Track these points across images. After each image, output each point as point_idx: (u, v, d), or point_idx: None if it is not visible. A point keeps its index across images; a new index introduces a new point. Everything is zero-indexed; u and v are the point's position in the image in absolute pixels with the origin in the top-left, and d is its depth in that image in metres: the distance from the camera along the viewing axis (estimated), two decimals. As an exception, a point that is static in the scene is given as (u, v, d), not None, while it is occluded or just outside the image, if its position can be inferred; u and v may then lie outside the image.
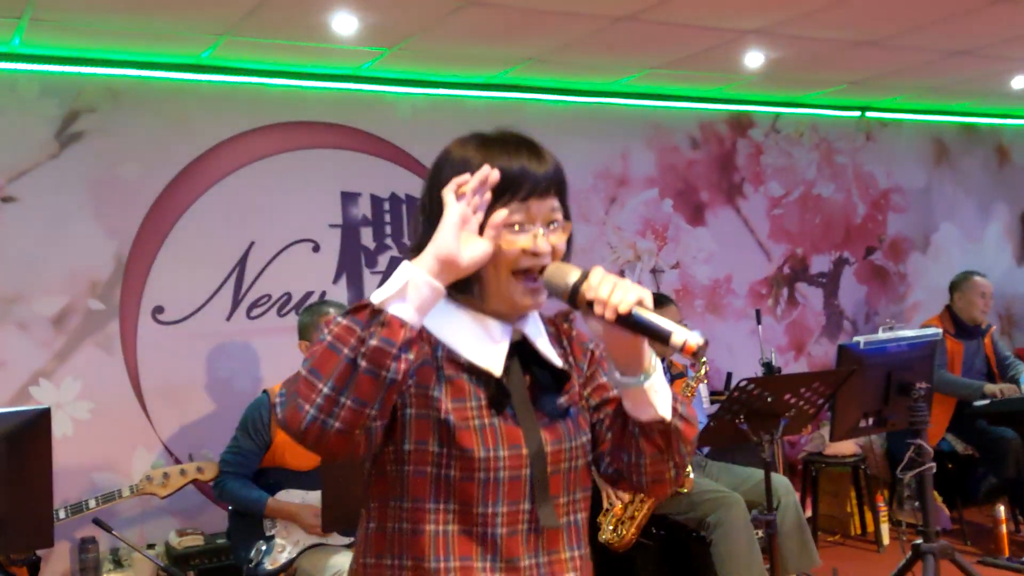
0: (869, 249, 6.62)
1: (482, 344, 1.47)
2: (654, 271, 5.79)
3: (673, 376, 4.68)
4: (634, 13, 4.14)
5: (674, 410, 1.49)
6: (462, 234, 1.34)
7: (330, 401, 1.25)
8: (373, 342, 1.25)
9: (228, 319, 4.58)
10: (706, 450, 4.78)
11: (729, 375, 5.55)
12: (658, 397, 1.47)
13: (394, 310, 1.28)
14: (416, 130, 5.04)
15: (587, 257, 5.49)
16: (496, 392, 1.46)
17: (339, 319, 1.31)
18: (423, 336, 1.44)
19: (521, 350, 1.51)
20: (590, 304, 1.41)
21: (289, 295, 4.71)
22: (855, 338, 3.83)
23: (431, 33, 4.25)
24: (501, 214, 1.39)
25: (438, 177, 1.46)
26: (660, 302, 4.66)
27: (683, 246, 5.90)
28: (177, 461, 4.38)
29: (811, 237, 6.37)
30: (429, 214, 1.46)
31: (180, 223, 4.50)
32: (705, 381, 4.65)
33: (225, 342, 4.57)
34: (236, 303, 4.60)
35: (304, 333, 3.78)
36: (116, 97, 4.40)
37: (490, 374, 1.46)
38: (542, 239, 1.44)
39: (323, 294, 4.78)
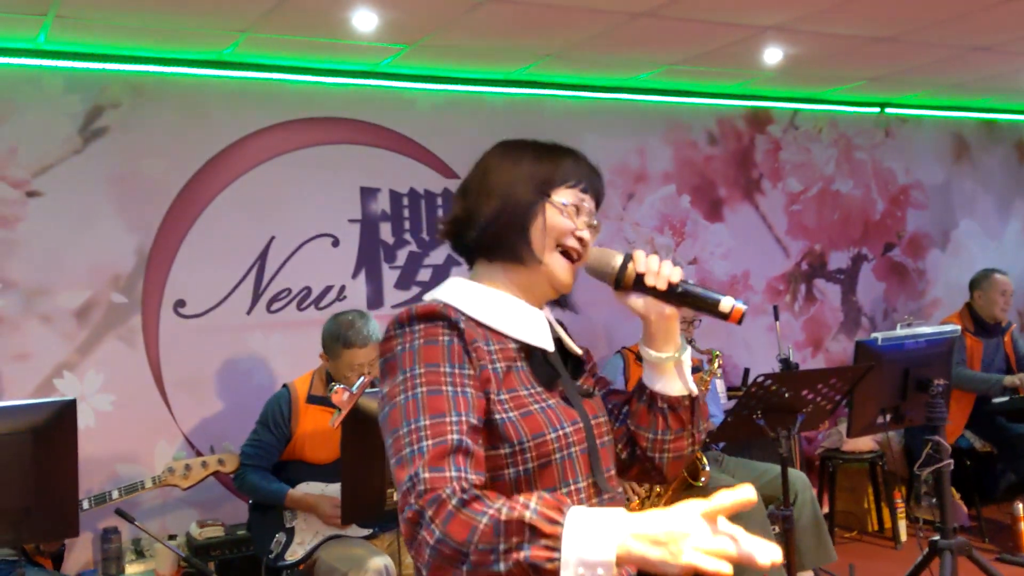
0: (888, 245, 6.61)
1: (529, 323, 1.55)
2: (672, 267, 5.82)
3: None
4: (652, 9, 4.15)
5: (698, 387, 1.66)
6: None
7: (452, 556, 1.24)
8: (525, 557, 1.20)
9: (248, 313, 4.61)
10: (722, 445, 4.79)
11: (746, 371, 5.55)
12: (688, 372, 1.63)
13: (569, 555, 1.18)
14: (435, 126, 5.05)
15: None
16: (548, 369, 1.54)
17: (525, 546, 1.22)
18: (471, 333, 1.46)
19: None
20: (638, 280, 1.55)
21: (309, 289, 4.74)
22: (873, 334, 3.84)
23: (450, 29, 4.26)
24: (564, 194, 1.54)
25: (485, 173, 1.57)
26: None
27: (701, 242, 5.91)
28: (198, 453, 4.41)
29: (829, 233, 6.36)
30: (463, 208, 1.57)
31: (201, 218, 4.54)
32: (719, 375, 4.66)
33: (245, 336, 4.60)
34: (256, 297, 4.64)
35: (328, 350, 3.73)
36: (139, 93, 4.44)
37: (540, 351, 1.54)
38: (586, 230, 1.58)
39: (342, 288, 4.81)
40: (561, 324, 1.71)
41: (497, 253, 1.56)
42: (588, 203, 1.58)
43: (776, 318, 5.18)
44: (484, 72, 5.09)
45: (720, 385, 5.21)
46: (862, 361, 3.73)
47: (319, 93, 4.80)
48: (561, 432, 1.48)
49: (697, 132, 5.92)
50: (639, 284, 1.56)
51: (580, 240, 1.56)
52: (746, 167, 6.09)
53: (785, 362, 4.97)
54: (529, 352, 1.53)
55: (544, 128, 5.25)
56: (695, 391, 1.65)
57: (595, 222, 1.60)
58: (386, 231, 4.97)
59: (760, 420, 3.54)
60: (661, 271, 1.56)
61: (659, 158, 5.79)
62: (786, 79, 5.62)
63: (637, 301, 1.58)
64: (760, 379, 3.46)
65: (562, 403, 1.52)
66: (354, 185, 4.89)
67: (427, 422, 1.36)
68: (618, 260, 1.57)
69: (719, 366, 4.34)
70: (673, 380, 1.63)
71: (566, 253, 1.55)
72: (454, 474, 1.31)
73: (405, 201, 5.02)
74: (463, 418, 1.37)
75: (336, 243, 4.83)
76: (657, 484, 1.74)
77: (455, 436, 1.34)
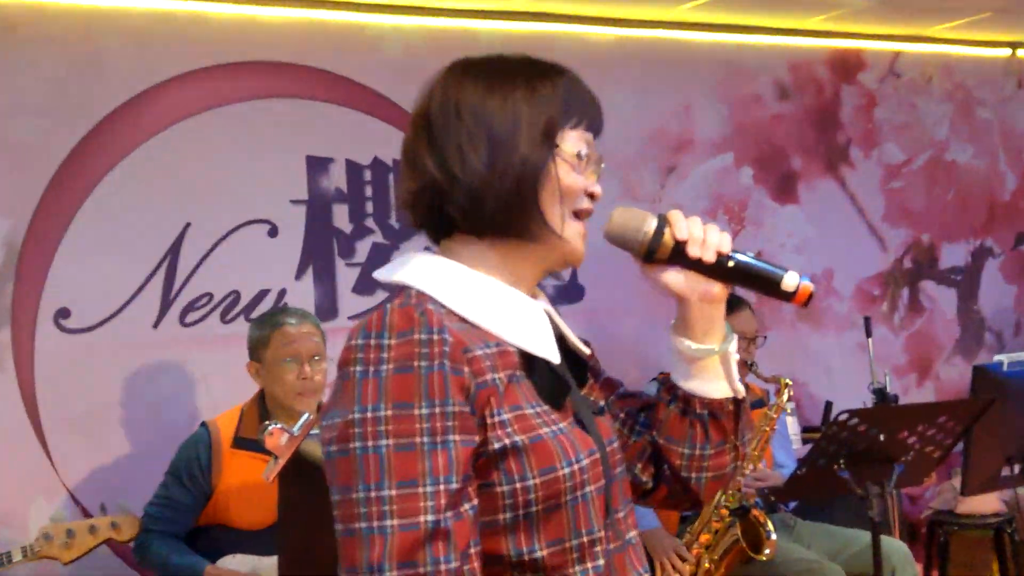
0: (1021, 236, 6.65)
1: (530, 323, 1.59)
2: (727, 264, 5.86)
3: (751, 404, 4.73)
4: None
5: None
6: None
7: None
8: None
9: (155, 326, 4.65)
10: (793, 505, 4.83)
11: (828, 405, 5.58)
12: (735, 367, 1.69)
13: None
14: (409, 73, 5.03)
15: None
16: (557, 384, 1.59)
17: None
18: (461, 339, 1.48)
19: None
20: (677, 249, 1.60)
21: (237, 294, 4.79)
22: (997, 357, 3.87)
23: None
24: (573, 140, 1.59)
25: (458, 106, 1.57)
26: (731, 305, 4.69)
27: (766, 231, 5.97)
28: (86, 515, 4.41)
29: (941, 219, 6.41)
30: (432, 162, 1.57)
31: (92, 198, 4.57)
32: (789, 411, 4.71)
33: (152, 357, 4.63)
34: (166, 305, 4.67)
35: (255, 351, 3.85)
36: (9, 30, 4.44)
37: (543, 362, 1.58)
38: (598, 183, 1.64)
39: (282, 293, 4.85)
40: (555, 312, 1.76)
41: (494, 228, 1.58)
42: (592, 144, 1.63)
43: (868, 334, 5.23)
44: (475, 0, 5.12)
45: (792, 424, 5.26)
46: (982, 392, 3.76)
47: (250, 29, 4.83)
48: (576, 467, 1.50)
49: (762, 82, 5.96)
50: (677, 255, 1.61)
51: (591, 196, 1.62)
52: (829, 129, 6.13)
53: (880, 393, 5.03)
54: (530, 360, 1.56)
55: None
56: (742, 392, 1.72)
57: (602, 166, 1.66)
58: (342, 215, 5.00)
59: (843, 472, 3.57)
60: (708, 238, 1.62)
61: (710, 118, 5.83)
62: (884, 11, 5.63)
63: (674, 277, 1.64)
64: (843, 416, 3.50)
65: (575, 426, 1.56)
66: (298, 154, 4.93)
67: (393, 492, 1.37)
68: (651, 223, 1.62)
69: (789, 398, 4.38)
70: (715, 379, 1.69)
71: (578, 216, 1.61)
72: (430, 569, 1.35)
73: (367, 175, 5.05)
74: (442, 487, 1.38)
75: (274, 232, 4.88)
76: (689, 510, 1.87)
77: (430, 518, 1.36)
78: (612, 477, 1.60)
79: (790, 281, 1.58)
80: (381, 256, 5.04)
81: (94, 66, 4.58)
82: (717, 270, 1.61)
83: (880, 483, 3.56)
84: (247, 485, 3.70)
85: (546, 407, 1.54)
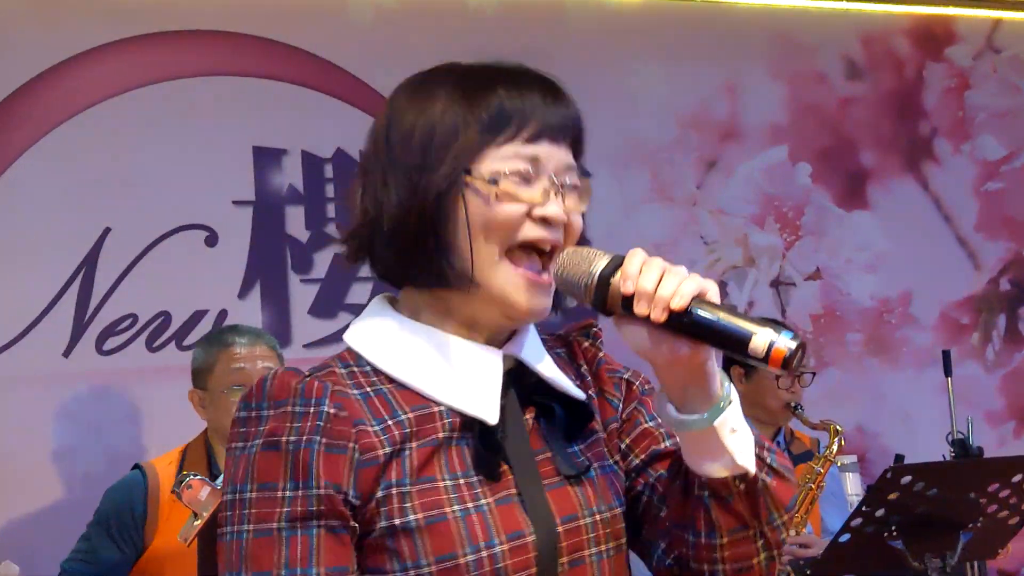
0: None
1: (464, 379, 1.69)
2: (778, 283, 6.06)
3: (796, 457, 4.94)
4: None
5: (759, 459, 1.70)
6: None
7: None
8: None
9: (67, 354, 4.85)
10: None
11: (899, 460, 5.72)
12: (736, 440, 1.67)
13: None
14: (380, 47, 5.24)
15: (667, 256, 5.64)
16: (485, 450, 1.68)
17: None
18: (355, 410, 1.64)
19: (518, 379, 1.76)
20: (626, 304, 1.63)
21: (167, 316, 4.97)
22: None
23: None
24: (499, 158, 1.67)
25: (381, 140, 1.73)
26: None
27: (830, 243, 6.12)
28: None
29: (1050, 230, 6.50)
30: (363, 199, 1.73)
31: None
32: (841, 464, 4.84)
33: (64, 391, 4.82)
34: (80, 329, 4.87)
35: (198, 377, 4.02)
36: None
37: (478, 423, 1.68)
38: (556, 201, 1.71)
39: (223, 315, 5.01)
40: (578, 345, 1.88)
41: (415, 279, 1.72)
42: (549, 154, 1.71)
43: (947, 372, 5.32)
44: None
45: (854, 483, 5.34)
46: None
47: (186, -9, 5.05)
48: (485, 554, 1.61)
49: (826, 57, 6.15)
50: (630, 308, 1.63)
51: (545, 220, 1.70)
52: (909, 117, 6.30)
53: (960, 445, 5.11)
54: (472, 421, 1.68)
55: (564, 49, 5.49)
56: (751, 470, 1.68)
57: (570, 180, 1.73)
58: (296, 220, 5.19)
59: (896, 542, 3.72)
60: (660, 290, 1.60)
61: (762, 101, 6.03)
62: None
63: (635, 336, 1.65)
64: (891, 474, 3.62)
65: (505, 503, 1.67)
66: (243, 144, 5.12)
67: None
68: (597, 268, 1.66)
69: (841, 449, 4.54)
70: (712, 454, 1.67)
71: (530, 250, 1.70)
72: None
73: (328, 171, 5.24)
74: None
75: (212, 240, 5.07)
76: None
77: None
78: (575, 560, 1.70)
79: (758, 343, 1.58)
80: (343, 271, 5.11)
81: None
82: (673, 327, 1.62)
83: (942, 555, 3.69)
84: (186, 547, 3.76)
85: (476, 478, 1.65)
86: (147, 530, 3.91)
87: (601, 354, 1.90)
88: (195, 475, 3.41)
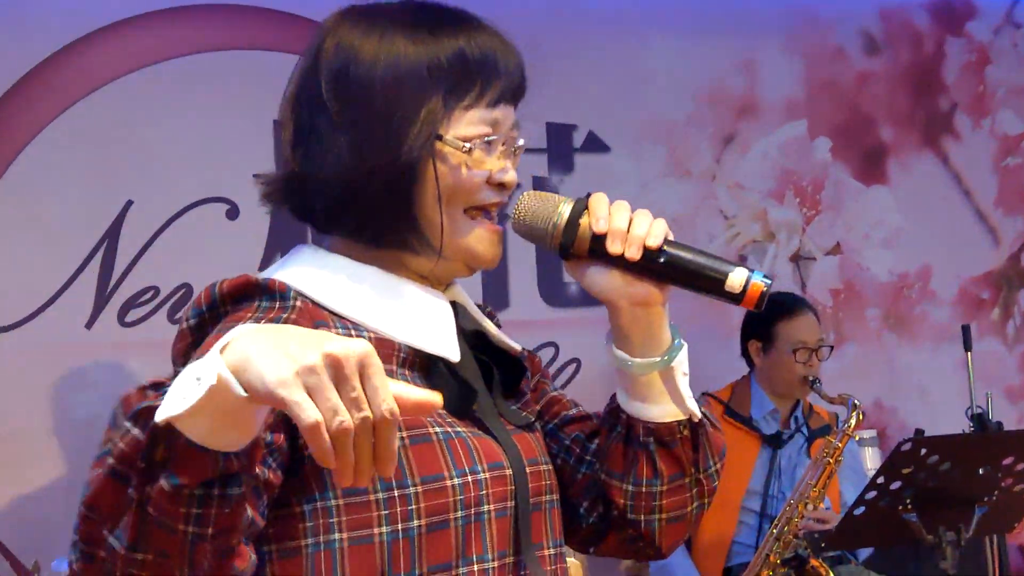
0: None
1: (423, 320, 1.70)
2: (797, 258, 6.09)
3: (814, 431, 4.99)
4: None
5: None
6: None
7: (122, 559, 1.35)
8: (163, 483, 1.30)
9: (89, 326, 4.90)
10: (864, 554, 5.06)
11: (919, 435, 5.74)
12: (685, 384, 1.76)
13: (191, 427, 1.28)
14: None
15: (686, 231, 5.73)
16: (457, 388, 1.69)
17: (128, 422, 1.35)
18: (315, 314, 1.61)
19: (460, 330, 1.77)
20: (595, 243, 1.67)
21: (189, 288, 5.00)
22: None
23: None
24: (466, 123, 1.68)
25: (330, 79, 1.71)
26: (790, 309, 4.94)
27: (849, 218, 6.15)
28: (15, 566, 4.63)
29: (1071, 205, 6.52)
30: (300, 141, 1.73)
31: (11, 172, 4.82)
32: (858, 439, 4.89)
33: (86, 362, 4.87)
34: (103, 301, 4.91)
35: None
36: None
37: (438, 361, 1.69)
38: (510, 165, 1.74)
39: None
40: (487, 311, 1.91)
41: (365, 237, 1.71)
42: (506, 116, 1.74)
43: (967, 347, 5.38)
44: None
45: (873, 457, 5.40)
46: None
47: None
48: (470, 478, 1.63)
49: (845, 33, 6.16)
50: (598, 251, 1.68)
51: (502, 185, 1.73)
52: (929, 92, 6.31)
53: (979, 420, 5.14)
54: (428, 361, 1.69)
55: (581, 25, 5.56)
56: (696, 413, 1.77)
57: (518, 143, 1.76)
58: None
59: (910, 515, 3.80)
60: (633, 230, 1.66)
61: (779, 77, 6.04)
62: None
63: (599, 278, 1.71)
64: (905, 447, 3.73)
65: (479, 435, 1.69)
66: (264, 118, 5.01)
67: None
68: (564, 212, 1.69)
69: (859, 423, 4.60)
70: (661, 399, 1.75)
71: (484, 209, 1.73)
72: None
73: None
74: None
75: (234, 212, 5.12)
76: (651, 559, 1.92)
77: None
78: (535, 504, 1.73)
79: (736, 279, 1.63)
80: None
81: (13, 14, 4.82)
82: (646, 268, 1.67)
83: (956, 528, 3.78)
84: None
85: (441, 413, 1.65)
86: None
87: (501, 326, 1.93)
88: None
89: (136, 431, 1.33)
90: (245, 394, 1.24)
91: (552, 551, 1.77)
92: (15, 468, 4.74)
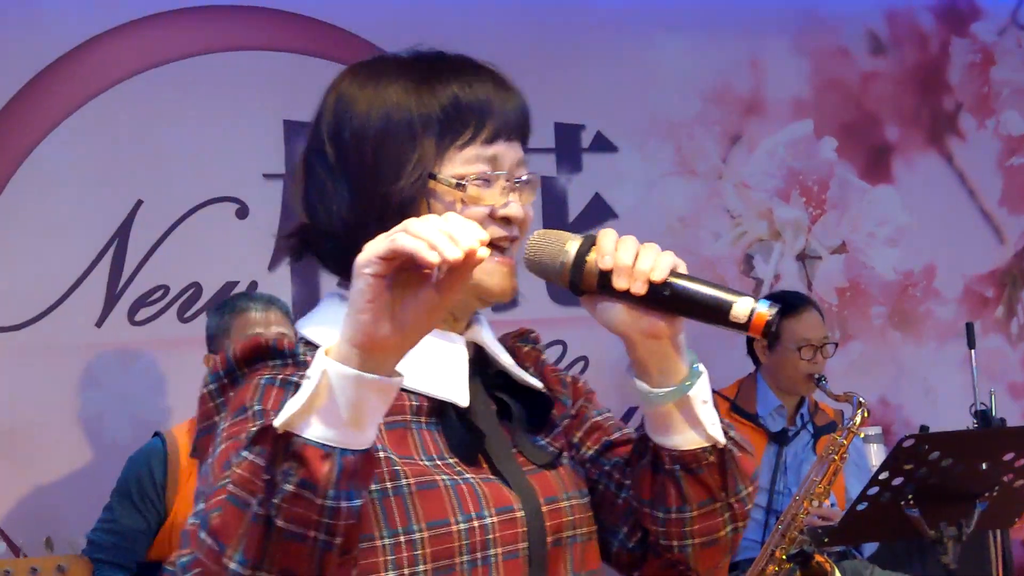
0: None
1: (430, 364, 1.72)
2: (803, 256, 6.13)
3: (819, 428, 5.03)
4: None
5: (724, 432, 1.79)
6: (389, 296, 1.43)
7: None
8: (288, 487, 1.40)
9: (99, 324, 4.96)
10: (869, 550, 5.10)
11: (923, 431, 5.78)
12: (707, 411, 1.76)
13: (312, 432, 1.41)
14: (407, 18, 5.29)
15: (691, 231, 5.85)
16: (464, 433, 1.73)
17: (243, 451, 1.46)
18: (377, 453, 1.60)
19: (480, 371, 1.81)
20: (603, 280, 1.69)
21: (198, 287, 5.08)
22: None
23: None
24: (461, 162, 1.71)
25: (329, 137, 1.76)
26: (795, 306, 4.98)
27: (853, 216, 6.20)
28: (15, 551, 4.65)
29: (1075, 205, 6.53)
30: (308, 197, 1.78)
31: (21, 171, 4.88)
32: (863, 436, 4.92)
33: (96, 360, 4.92)
34: (113, 299, 4.97)
35: (213, 342, 4.16)
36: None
37: (450, 407, 1.73)
38: (514, 200, 1.76)
39: (253, 287, 5.09)
40: (520, 350, 1.93)
41: None
42: (505, 152, 1.76)
43: (971, 344, 5.45)
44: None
45: (879, 454, 5.43)
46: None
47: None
48: (476, 523, 1.66)
49: (851, 33, 6.21)
50: (606, 286, 1.70)
51: (507, 220, 1.75)
52: (934, 92, 6.35)
53: (982, 417, 5.20)
54: (442, 407, 1.73)
55: (589, 26, 5.60)
56: (720, 440, 1.77)
57: (525, 176, 1.79)
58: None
59: (912, 510, 3.82)
60: (638, 264, 1.67)
61: (786, 76, 6.09)
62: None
63: (610, 313, 1.72)
64: (907, 443, 3.75)
65: (489, 480, 1.72)
66: (274, 118, 5.20)
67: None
68: (571, 250, 1.71)
69: (864, 421, 4.64)
70: (683, 427, 1.76)
71: (496, 247, 1.73)
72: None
73: None
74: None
75: (243, 212, 5.17)
76: None
77: None
78: (555, 541, 1.75)
79: (740, 310, 1.65)
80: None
81: (27, 13, 4.88)
82: (653, 301, 1.68)
83: (958, 524, 3.80)
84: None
85: (451, 460, 1.71)
86: (168, 496, 4.05)
87: (543, 356, 1.97)
88: None
89: (252, 456, 1.43)
90: (356, 349, 1.41)
91: None
92: (26, 464, 4.80)
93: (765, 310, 1.65)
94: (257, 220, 5.17)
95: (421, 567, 1.63)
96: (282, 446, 1.41)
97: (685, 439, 1.76)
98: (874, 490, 3.89)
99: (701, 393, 1.76)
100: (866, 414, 4.63)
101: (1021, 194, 6.53)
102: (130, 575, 4.09)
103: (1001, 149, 6.51)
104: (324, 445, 1.40)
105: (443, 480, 1.67)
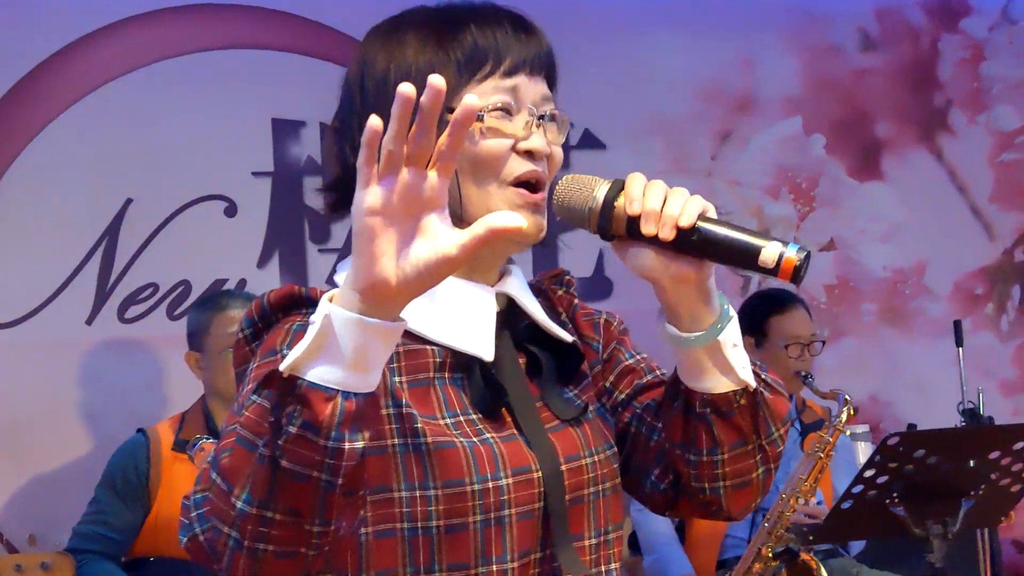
0: None
1: (457, 317, 1.75)
2: (794, 252, 6.13)
3: (807, 426, 5.04)
4: None
5: (756, 374, 1.80)
6: (389, 236, 1.43)
7: (252, 520, 1.47)
8: (292, 429, 1.43)
9: (89, 322, 5.00)
10: (856, 548, 5.11)
11: (912, 428, 5.80)
12: (737, 355, 1.77)
13: (315, 375, 1.44)
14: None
15: None
16: (487, 389, 1.74)
17: (253, 395, 1.50)
18: (381, 398, 1.62)
19: (510, 323, 1.82)
20: (631, 225, 1.69)
21: (187, 285, 5.12)
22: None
23: None
24: (479, 94, 1.68)
25: (355, 89, 1.79)
26: (782, 304, 5.01)
27: (844, 213, 6.23)
28: (9, 548, 4.72)
29: (1065, 200, 6.55)
30: (341, 150, 1.80)
31: (13, 169, 4.93)
32: (849, 433, 4.94)
33: (86, 358, 4.97)
34: (102, 297, 5.02)
35: (195, 340, 4.23)
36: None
37: (475, 361, 1.75)
38: (538, 133, 1.76)
39: (242, 284, 5.15)
40: (554, 293, 1.94)
41: None
42: (527, 86, 1.77)
43: (959, 342, 5.45)
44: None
45: (866, 451, 5.46)
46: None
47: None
48: (491, 484, 1.69)
49: (841, 30, 6.23)
50: (634, 232, 1.69)
51: (531, 154, 1.75)
52: (925, 89, 6.37)
53: (970, 415, 5.23)
54: (468, 360, 1.75)
55: (578, 22, 5.59)
56: (751, 383, 1.78)
57: (549, 110, 1.78)
58: (314, 191, 5.24)
59: (898, 508, 3.84)
60: (667, 209, 1.66)
61: (776, 73, 6.12)
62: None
63: (640, 258, 1.71)
64: (891, 441, 3.75)
65: (509, 439, 1.74)
66: (263, 116, 5.26)
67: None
68: (600, 194, 1.71)
69: (851, 418, 4.64)
70: (714, 370, 1.76)
71: (522, 184, 1.75)
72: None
73: None
74: None
75: (232, 210, 5.21)
76: (720, 519, 1.94)
77: None
78: (575, 498, 1.77)
79: (769, 254, 1.64)
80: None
81: (16, 13, 4.92)
82: (682, 246, 1.67)
83: (943, 522, 3.81)
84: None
85: (474, 416, 1.73)
86: (151, 487, 4.10)
87: (576, 300, 1.98)
88: (207, 438, 3.54)
89: (259, 399, 1.47)
90: (358, 294, 1.43)
91: (594, 540, 1.82)
92: (12, 454, 4.85)
93: (794, 255, 1.65)
94: (246, 218, 5.23)
95: (435, 522, 1.66)
96: (287, 389, 1.44)
97: (716, 383, 1.78)
98: (859, 488, 3.89)
99: (732, 336, 1.77)
100: (852, 412, 4.62)
101: (1012, 191, 6.55)
102: (116, 565, 4.13)
103: (992, 145, 6.52)
104: (327, 388, 1.43)
105: (461, 441, 1.69)
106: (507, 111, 1.74)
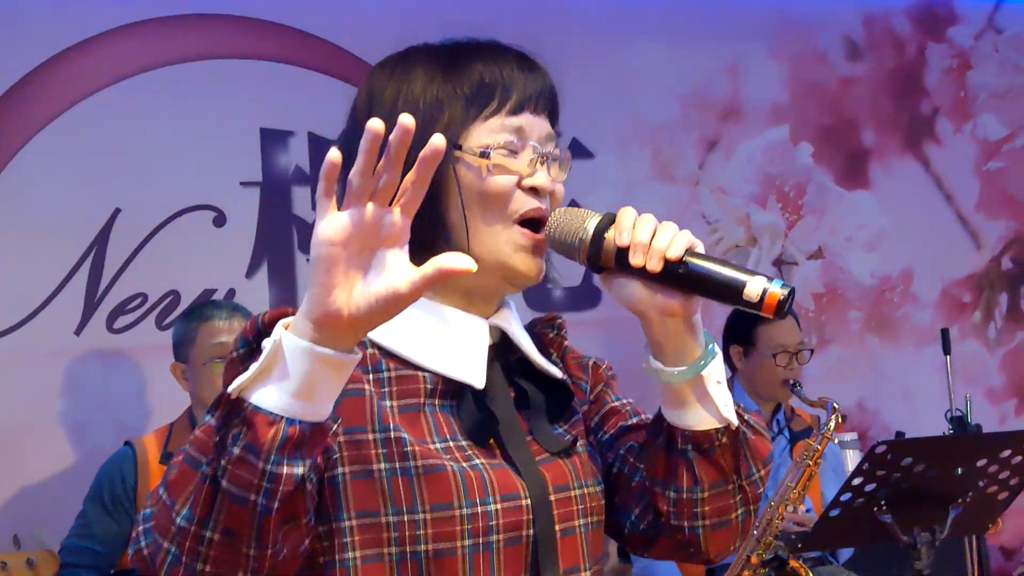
0: None
1: (450, 345, 1.77)
2: (780, 262, 6.19)
3: (795, 434, 5.07)
4: None
5: (738, 414, 1.84)
6: (345, 268, 1.46)
7: (190, 537, 1.50)
8: (235, 450, 1.46)
9: (78, 332, 5.01)
10: (845, 555, 5.14)
11: (899, 436, 5.83)
12: (719, 392, 1.80)
13: (261, 398, 1.47)
14: (385, 27, 5.26)
15: None
16: (478, 415, 1.77)
17: (206, 415, 1.53)
18: (331, 428, 1.62)
19: (502, 356, 1.85)
20: (620, 256, 1.72)
21: (176, 295, 5.12)
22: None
23: None
24: (486, 132, 1.75)
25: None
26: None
27: (831, 221, 6.27)
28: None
29: (1051, 209, 6.60)
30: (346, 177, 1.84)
31: (1, 178, 4.93)
32: (837, 441, 4.96)
33: (74, 367, 4.98)
34: (91, 307, 5.02)
35: (180, 350, 4.25)
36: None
37: (467, 388, 1.77)
38: (542, 171, 1.79)
39: (231, 294, 5.16)
40: (546, 335, 1.97)
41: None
42: (531, 124, 1.80)
43: (946, 350, 5.49)
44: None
45: (853, 459, 5.47)
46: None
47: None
48: (480, 509, 1.70)
49: (828, 38, 6.27)
50: (624, 263, 1.73)
51: (535, 190, 1.78)
52: (911, 97, 6.42)
53: (958, 423, 5.25)
54: (459, 388, 1.77)
55: (567, 29, 5.65)
56: (733, 421, 1.81)
57: (552, 149, 1.81)
58: (303, 201, 5.34)
59: (885, 516, 3.85)
60: (655, 241, 1.70)
61: (763, 81, 6.16)
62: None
63: (627, 290, 1.75)
64: (879, 449, 3.77)
65: (499, 467, 1.76)
66: (251, 126, 5.27)
67: None
68: (591, 225, 1.75)
69: (839, 426, 4.65)
70: (696, 407, 1.79)
71: (527, 223, 1.78)
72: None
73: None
74: None
75: (221, 220, 5.22)
76: (698, 561, 1.96)
77: None
78: (566, 529, 1.80)
79: (753, 289, 1.67)
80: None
81: (5, 22, 4.92)
82: (668, 279, 1.71)
83: (931, 529, 3.83)
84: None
85: (464, 443, 1.75)
86: (139, 500, 4.10)
87: (567, 343, 2.00)
88: None
89: (209, 418, 1.50)
90: (311, 323, 1.46)
91: (588, 572, 1.84)
92: (6, 469, 4.85)
93: (778, 289, 1.68)
94: (234, 228, 5.25)
95: (423, 547, 1.68)
96: (234, 411, 1.47)
97: (698, 419, 1.80)
98: (847, 496, 3.91)
99: (715, 373, 1.80)
100: (840, 419, 4.66)
101: (998, 199, 6.60)
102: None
103: (978, 154, 6.58)
104: (270, 412, 1.46)
105: (451, 465, 1.70)
106: (512, 150, 1.77)
